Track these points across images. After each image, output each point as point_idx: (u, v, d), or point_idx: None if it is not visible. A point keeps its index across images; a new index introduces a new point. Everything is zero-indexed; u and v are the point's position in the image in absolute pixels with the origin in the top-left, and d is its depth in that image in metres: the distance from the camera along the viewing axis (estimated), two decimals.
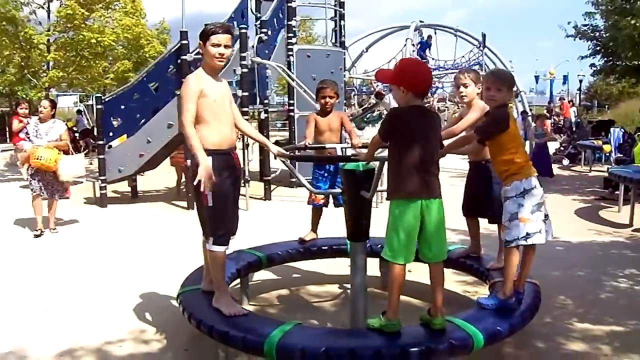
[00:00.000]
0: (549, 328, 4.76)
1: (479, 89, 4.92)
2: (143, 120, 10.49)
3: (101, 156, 10.55)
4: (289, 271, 6.26)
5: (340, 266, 6.20)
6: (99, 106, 10.52)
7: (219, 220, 4.12)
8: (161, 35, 21.40)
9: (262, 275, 6.08)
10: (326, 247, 5.66)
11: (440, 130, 3.92)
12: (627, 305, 5.32)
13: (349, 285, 5.65)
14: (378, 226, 4.43)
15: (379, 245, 5.61)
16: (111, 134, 10.79)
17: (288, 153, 4.86)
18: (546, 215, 4.14)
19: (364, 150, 4.57)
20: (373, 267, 5.22)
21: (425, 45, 25.10)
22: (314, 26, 39.81)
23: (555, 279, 5.97)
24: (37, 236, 8.13)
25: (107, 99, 10.79)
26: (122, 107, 10.61)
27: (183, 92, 4.04)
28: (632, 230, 8.32)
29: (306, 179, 4.77)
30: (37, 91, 18.33)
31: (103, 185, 10.54)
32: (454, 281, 5.88)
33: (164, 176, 13.41)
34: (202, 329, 3.89)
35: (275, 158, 4.69)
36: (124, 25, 17.61)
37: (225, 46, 4.08)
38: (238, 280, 5.24)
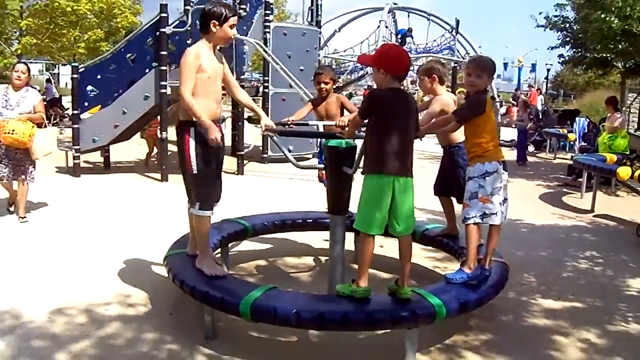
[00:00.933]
0: (513, 303, 5.05)
1: (433, 79, 5.31)
2: (120, 91, 10.45)
3: (75, 126, 10.52)
4: (267, 243, 6.44)
5: (316, 239, 6.44)
6: (75, 75, 10.45)
7: (203, 187, 4.38)
8: (133, 6, 21.10)
9: (241, 246, 6.26)
10: (310, 220, 5.90)
11: (417, 112, 4.13)
12: (586, 284, 5.66)
13: (324, 258, 5.92)
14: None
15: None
16: (86, 103, 10.74)
17: (277, 128, 5.04)
18: (505, 199, 4.41)
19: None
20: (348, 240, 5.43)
21: (405, 35, 25.47)
22: (287, 3, 39.82)
23: (520, 259, 6.26)
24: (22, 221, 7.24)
25: (83, 69, 10.72)
26: (99, 77, 10.57)
27: (183, 63, 4.22)
28: (593, 216, 8.69)
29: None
30: (2, 57, 18.02)
31: (77, 155, 10.54)
32: (425, 257, 6.15)
33: (136, 148, 13.43)
34: (184, 288, 4.14)
35: (263, 132, 4.85)
36: None
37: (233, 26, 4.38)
38: (219, 250, 5.40)
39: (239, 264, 5.89)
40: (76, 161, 10.56)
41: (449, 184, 5.42)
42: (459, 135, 5.10)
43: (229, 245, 5.61)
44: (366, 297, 3.85)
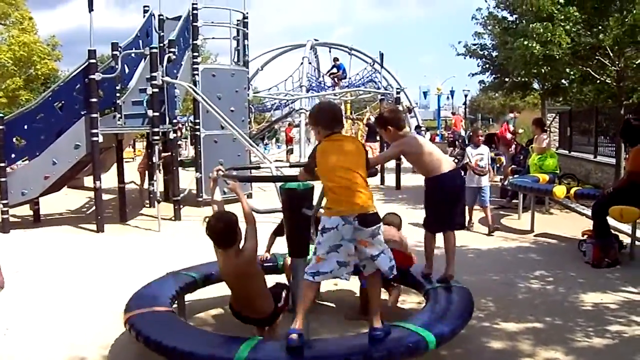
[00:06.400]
0: (476, 329, 5.10)
1: (388, 131, 5.14)
2: (48, 141, 10.10)
3: (3, 179, 10.05)
4: (220, 290, 6.24)
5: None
6: (0, 126, 9.99)
7: None
8: (52, 52, 20.52)
9: (196, 295, 6.04)
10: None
11: None
12: (542, 304, 5.80)
13: None
14: None
15: None
16: (13, 155, 10.31)
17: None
18: (371, 256, 3.84)
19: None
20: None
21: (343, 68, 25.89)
22: (206, 44, 39.81)
23: (473, 284, 6.28)
24: None
25: (8, 119, 10.30)
26: (25, 127, 10.20)
27: None
28: (534, 236, 8.98)
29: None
30: None
31: (5, 210, 10.07)
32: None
33: (64, 199, 13.02)
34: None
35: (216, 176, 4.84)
36: (21, 42, 16.87)
37: None
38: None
39: (195, 313, 5.70)
40: (5, 216, 10.08)
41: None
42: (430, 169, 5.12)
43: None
44: None
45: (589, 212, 8.92)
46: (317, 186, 4.49)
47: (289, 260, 5.48)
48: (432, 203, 5.25)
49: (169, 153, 11.32)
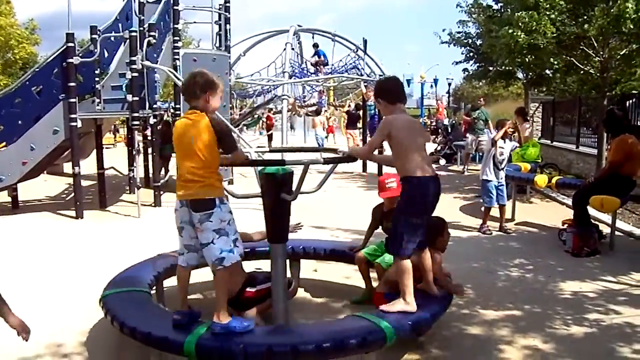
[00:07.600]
0: (455, 316, 5.10)
1: (378, 103, 4.46)
2: (26, 126, 9.91)
3: None
4: (201, 276, 6.18)
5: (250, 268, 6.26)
6: None
7: None
8: (31, 36, 20.16)
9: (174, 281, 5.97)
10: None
11: None
12: (522, 292, 5.82)
13: None
14: None
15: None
16: None
17: None
18: (204, 243, 3.83)
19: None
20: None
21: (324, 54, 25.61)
22: (188, 29, 39.55)
23: (454, 272, 6.24)
24: None
25: None
26: (2, 112, 9.99)
27: None
28: (515, 224, 8.99)
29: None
30: None
31: None
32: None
33: (44, 185, 12.86)
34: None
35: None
36: None
37: None
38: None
39: (175, 300, 5.62)
40: None
41: None
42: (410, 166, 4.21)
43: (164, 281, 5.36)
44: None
45: (569, 201, 8.95)
46: (297, 171, 4.46)
47: (360, 253, 5.54)
48: (406, 212, 4.21)
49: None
